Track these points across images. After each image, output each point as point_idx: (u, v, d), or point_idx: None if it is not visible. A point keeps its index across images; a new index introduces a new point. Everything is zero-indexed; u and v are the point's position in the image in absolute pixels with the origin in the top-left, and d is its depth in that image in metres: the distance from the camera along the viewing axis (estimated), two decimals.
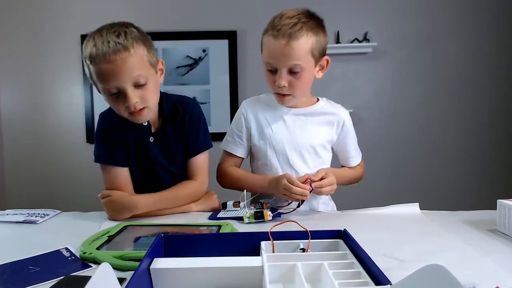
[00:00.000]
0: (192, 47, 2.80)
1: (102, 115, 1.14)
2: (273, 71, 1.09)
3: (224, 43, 2.78)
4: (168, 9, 2.79)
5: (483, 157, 2.84)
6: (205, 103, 2.83)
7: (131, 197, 1.06)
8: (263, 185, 1.13)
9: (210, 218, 1.05)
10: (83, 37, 2.74)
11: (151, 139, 1.11)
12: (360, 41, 2.75)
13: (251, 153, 1.25)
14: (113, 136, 1.09)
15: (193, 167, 1.15)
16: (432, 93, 2.81)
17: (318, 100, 1.24)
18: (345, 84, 2.79)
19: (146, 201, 1.05)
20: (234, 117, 1.26)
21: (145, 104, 1.01)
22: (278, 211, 1.04)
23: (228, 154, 1.24)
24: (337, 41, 2.74)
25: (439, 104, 2.82)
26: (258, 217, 0.98)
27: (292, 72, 1.07)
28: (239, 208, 1.07)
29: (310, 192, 1.03)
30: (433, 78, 2.80)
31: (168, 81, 2.77)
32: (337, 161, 1.29)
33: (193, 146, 1.14)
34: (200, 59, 2.81)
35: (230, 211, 1.07)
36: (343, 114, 1.22)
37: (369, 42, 2.73)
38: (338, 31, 2.73)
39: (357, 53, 2.77)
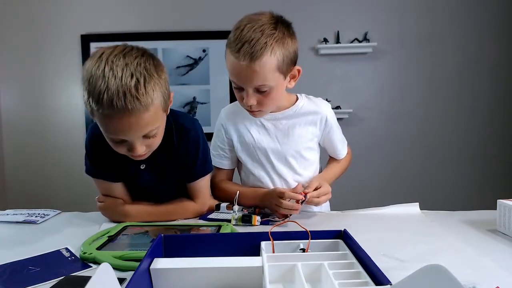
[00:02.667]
0: (192, 47, 2.80)
1: (92, 129, 1.00)
2: (240, 89, 1.02)
3: (224, 43, 2.76)
4: (168, 9, 2.79)
5: (483, 157, 2.84)
6: (205, 103, 2.83)
7: (123, 206, 1.03)
8: (255, 201, 1.10)
9: (201, 218, 1.06)
10: (83, 37, 2.78)
11: (142, 166, 1.02)
12: (360, 41, 2.75)
13: (239, 162, 1.21)
14: (104, 156, 0.99)
15: (192, 190, 1.08)
16: (432, 93, 2.81)
17: (297, 98, 1.17)
18: (345, 84, 2.79)
19: (138, 212, 1.02)
20: (215, 130, 1.21)
21: (150, 150, 0.93)
22: (269, 219, 1.02)
23: (217, 168, 1.19)
24: (337, 41, 2.74)
25: (439, 104, 2.82)
26: (246, 220, 0.98)
27: (259, 91, 1.00)
28: (231, 211, 1.07)
29: (303, 202, 1.00)
30: (433, 78, 2.80)
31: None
32: (325, 154, 1.27)
33: (190, 173, 1.06)
34: (200, 59, 2.81)
35: (223, 213, 1.08)
36: (325, 110, 1.15)
37: (369, 42, 2.73)
38: (338, 31, 2.73)
39: (357, 53, 2.77)
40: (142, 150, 0.90)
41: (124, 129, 0.84)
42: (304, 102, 1.16)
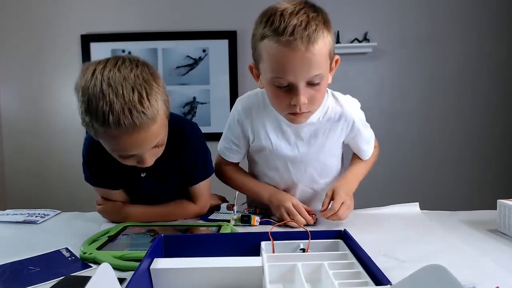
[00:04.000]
0: (192, 47, 2.80)
1: (89, 138, 0.97)
2: (285, 87, 0.87)
3: (224, 43, 2.78)
4: (168, 9, 2.79)
5: (483, 157, 2.84)
6: (205, 103, 2.83)
7: (123, 209, 1.03)
8: (263, 196, 1.07)
9: (201, 218, 1.06)
10: (83, 37, 2.77)
11: (143, 174, 1.01)
12: (360, 41, 2.75)
13: (250, 154, 1.15)
14: (103, 164, 0.97)
15: (192, 193, 1.07)
16: (432, 93, 2.81)
17: None
18: (345, 84, 2.78)
19: (137, 213, 1.02)
20: (229, 121, 1.10)
21: (157, 156, 0.92)
22: (269, 219, 1.01)
23: (225, 158, 1.13)
24: (337, 41, 2.74)
25: (439, 104, 2.82)
26: (245, 221, 0.98)
27: (311, 84, 0.86)
28: (232, 211, 1.07)
29: (314, 223, 0.97)
30: (433, 78, 2.80)
31: (168, 81, 2.76)
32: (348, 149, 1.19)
33: (190, 178, 1.05)
34: (200, 59, 2.81)
35: (223, 213, 1.08)
36: (351, 114, 1.04)
37: (369, 42, 2.73)
38: (338, 31, 2.72)
39: (357, 53, 2.77)
40: (152, 161, 0.89)
41: (135, 144, 0.82)
42: (330, 105, 1.03)
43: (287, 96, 0.87)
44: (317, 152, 1.05)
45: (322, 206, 0.96)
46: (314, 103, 0.90)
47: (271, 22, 0.83)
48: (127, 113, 0.77)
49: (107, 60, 0.83)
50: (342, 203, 0.94)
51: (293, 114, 0.91)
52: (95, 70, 0.81)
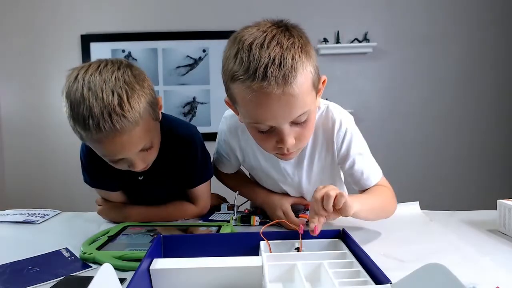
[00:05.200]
0: (192, 47, 2.80)
1: (85, 144, 0.93)
2: (267, 131, 0.77)
3: (224, 43, 2.76)
4: (168, 9, 2.79)
5: (483, 157, 2.84)
6: (205, 103, 2.83)
7: (123, 209, 1.03)
8: (256, 201, 1.08)
9: (202, 219, 1.06)
10: (83, 37, 2.78)
11: (140, 177, 1.00)
12: (360, 41, 2.75)
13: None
14: (101, 168, 0.96)
15: (192, 195, 1.06)
16: (432, 93, 2.81)
17: None
18: (345, 84, 2.79)
19: (137, 214, 1.02)
20: (217, 137, 1.06)
21: (150, 160, 0.91)
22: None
23: (219, 168, 1.11)
24: (337, 41, 2.74)
25: (439, 104, 2.82)
26: (245, 221, 0.98)
27: (296, 123, 0.76)
28: (232, 212, 1.07)
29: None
30: (433, 78, 2.80)
31: (168, 81, 2.76)
32: None
33: (189, 181, 1.04)
34: (200, 59, 2.81)
35: (223, 214, 1.08)
36: (337, 137, 0.92)
37: (369, 42, 2.73)
38: (338, 31, 2.72)
39: (357, 53, 2.77)
40: (142, 165, 0.88)
41: (118, 149, 0.81)
42: (320, 121, 0.91)
43: (271, 137, 0.78)
44: (308, 179, 0.99)
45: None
46: (303, 140, 0.80)
47: (240, 60, 0.70)
48: (107, 116, 0.75)
49: (90, 64, 0.82)
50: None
51: (281, 154, 0.82)
52: (77, 75, 0.80)
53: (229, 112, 0.99)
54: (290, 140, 0.76)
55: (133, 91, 0.79)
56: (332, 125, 0.91)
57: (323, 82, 0.81)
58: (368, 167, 0.95)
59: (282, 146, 0.77)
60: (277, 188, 1.04)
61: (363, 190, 0.95)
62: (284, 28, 0.73)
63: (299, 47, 0.71)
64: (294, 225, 0.76)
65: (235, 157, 1.04)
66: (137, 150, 0.83)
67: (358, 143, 0.94)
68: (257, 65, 0.68)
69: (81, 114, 0.76)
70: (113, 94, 0.76)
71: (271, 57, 0.68)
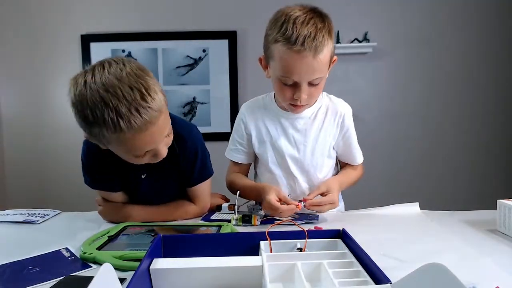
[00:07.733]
0: (192, 47, 2.80)
1: (87, 143, 0.97)
2: (289, 85, 1.01)
3: (224, 43, 2.78)
4: (168, 9, 2.79)
5: (483, 157, 2.84)
6: (205, 103, 2.83)
7: (124, 208, 1.03)
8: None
9: (203, 219, 1.06)
10: (83, 37, 2.77)
11: (143, 175, 1.02)
12: (360, 41, 2.75)
13: (256, 157, 1.23)
14: (102, 168, 0.99)
15: (192, 194, 1.08)
16: (432, 93, 2.81)
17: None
18: (345, 84, 2.79)
19: (138, 213, 1.02)
20: (235, 124, 1.23)
21: (168, 147, 0.93)
22: (272, 218, 1.02)
23: (234, 162, 1.22)
24: (337, 41, 2.74)
25: (439, 104, 2.82)
26: (246, 220, 0.99)
27: (312, 84, 1.00)
28: (233, 211, 1.07)
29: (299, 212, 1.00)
30: (433, 78, 2.80)
31: (168, 81, 2.77)
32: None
33: (189, 180, 1.06)
34: (200, 59, 2.81)
35: (224, 214, 1.09)
36: (342, 109, 1.15)
37: (369, 42, 2.73)
38: (338, 31, 2.72)
39: (357, 53, 2.77)
40: (166, 151, 0.91)
41: (150, 140, 0.84)
42: (324, 102, 1.15)
43: (290, 90, 1.02)
44: (312, 150, 1.13)
45: (309, 195, 1.02)
46: (312, 98, 1.05)
47: (285, 29, 0.95)
48: (135, 112, 0.78)
49: (93, 68, 0.82)
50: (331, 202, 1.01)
51: (294, 105, 1.06)
52: (85, 80, 0.80)
53: (246, 102, 1.24)
54: (304, 95, 1.00)
55: (147, 82, 0.82)
56: (337, 102, 1.17)
57: (334, 60, 1.05)
58: (357, 146, 1.19)
59: (297, 98, 1.01)
60: (275, 182, 1.15)
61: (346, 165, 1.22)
62: (319, 13, 0.99)
63: (328, 30, 0.97)
64: (291, 206, 0.96)
65: (249, 139, 1.18)
66: (164, 136, 0.88)
67: (353, 127, 1.18)
68: (298, 35, 0.93)
69: (108, 118, 0.77)
70: (132, 89, 0.78)
71: (309, 32, 0.94)
